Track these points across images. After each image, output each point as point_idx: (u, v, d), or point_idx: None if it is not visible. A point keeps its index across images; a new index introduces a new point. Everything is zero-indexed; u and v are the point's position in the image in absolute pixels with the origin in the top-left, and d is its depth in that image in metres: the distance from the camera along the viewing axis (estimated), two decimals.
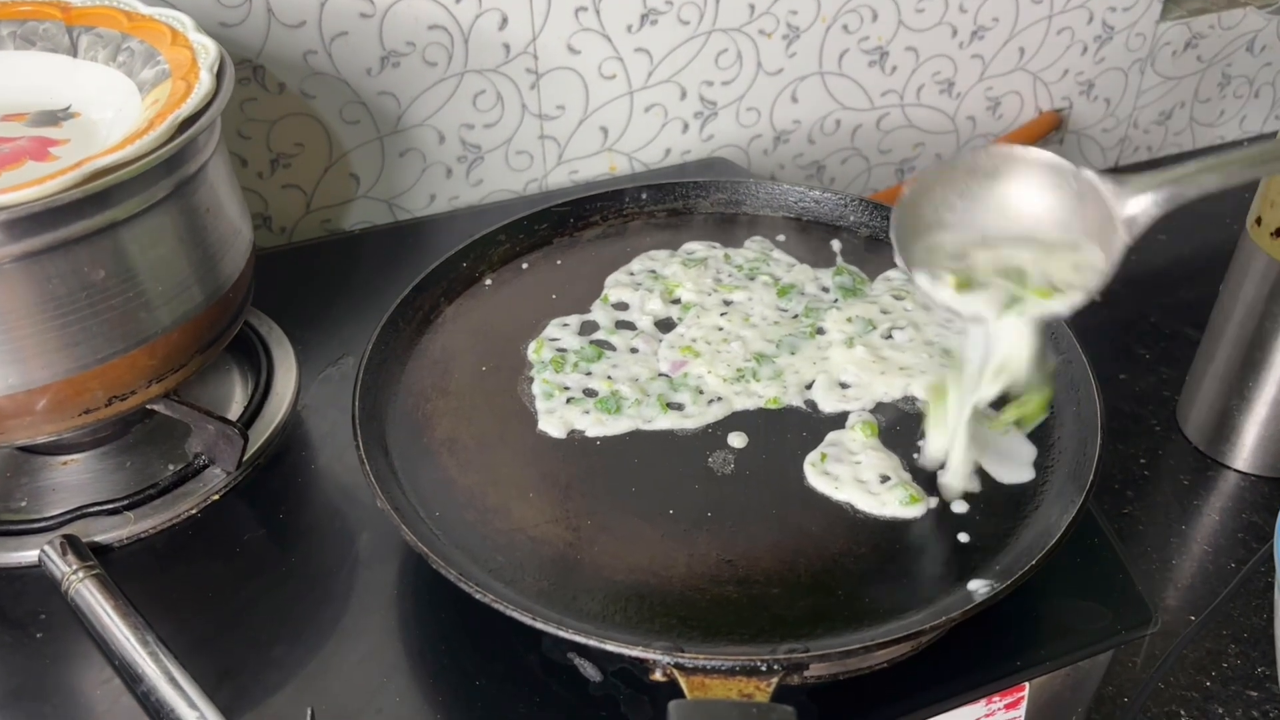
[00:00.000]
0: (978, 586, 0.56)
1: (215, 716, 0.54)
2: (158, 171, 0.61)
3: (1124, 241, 0.54)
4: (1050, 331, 0.70)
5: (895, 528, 0.60)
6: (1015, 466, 0.63)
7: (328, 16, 0.88)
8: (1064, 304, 0.55)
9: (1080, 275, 0.56)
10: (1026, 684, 0.60)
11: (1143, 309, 1.09)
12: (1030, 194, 0.57)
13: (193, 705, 0.55)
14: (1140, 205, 0.54)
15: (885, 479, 0.61)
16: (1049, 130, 1.20)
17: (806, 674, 0.56)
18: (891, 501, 0.60)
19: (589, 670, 0.58)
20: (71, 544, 0.63)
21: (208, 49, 0.68)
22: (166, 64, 0.68)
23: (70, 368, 0.62)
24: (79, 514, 0.66)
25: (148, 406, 0.68)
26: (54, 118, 0.69)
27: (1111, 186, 0.54)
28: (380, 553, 0.65)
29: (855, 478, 0.61)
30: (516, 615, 0.53)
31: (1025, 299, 0.55)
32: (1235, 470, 0.91)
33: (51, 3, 0.73)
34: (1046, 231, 0.57)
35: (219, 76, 0.66)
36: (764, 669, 0.50)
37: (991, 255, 0.57)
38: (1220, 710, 0.73)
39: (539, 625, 0.52)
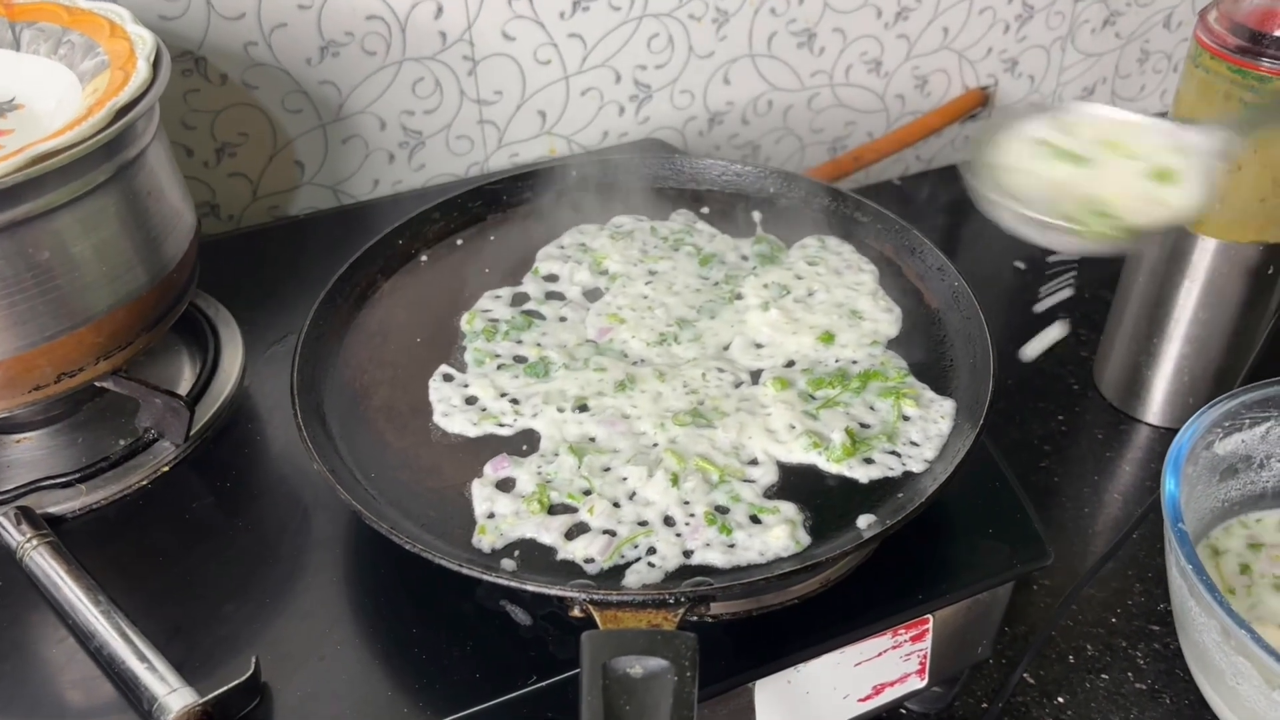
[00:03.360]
0: (866, 523, 0.60)
1: (164, 666, 0.58)
2: (97, 156, 0.64)
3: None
4: (954, 292, 0.74)
5: (800, 472, 0.64)
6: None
7: (266, 8, 0.91)
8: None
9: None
10: (930, 616, 0.64)
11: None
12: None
13: (143, 657, 0.58)
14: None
15: (792, 428, 0.65)
16: (975, 107, 1.25)
17: (720, 610, 0.60)
18: (797, 449, 0.64)
19: (519, 615, 0.62)
20: (25, 514, 0.66)
21: (145, 40, 0.71)
22: (106, 55, 0.71)
23: (19, 345, 0.65)
24: (32, 487, 0.69)
25: (96, 383, 0.71)
26: None
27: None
28: (323, 516, 0.68)
29: (765, 428, 0.65)
30: (445, 563, 0.56)
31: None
32: (1147, 424, 0.96)
33: None
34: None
35: (155, 66, 0.69)
36: (671, 601, 0.53)
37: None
38: (1124, 644, 0.78)
39: (465, 571, 0.56)
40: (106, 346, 0.69)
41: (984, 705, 0.74)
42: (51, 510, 0.68)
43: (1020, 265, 1.15)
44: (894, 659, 0.65)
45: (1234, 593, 0.76)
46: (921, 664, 0.66)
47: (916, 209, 1.27)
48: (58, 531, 0.66)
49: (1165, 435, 0.95)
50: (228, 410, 0.76)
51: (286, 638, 0.62)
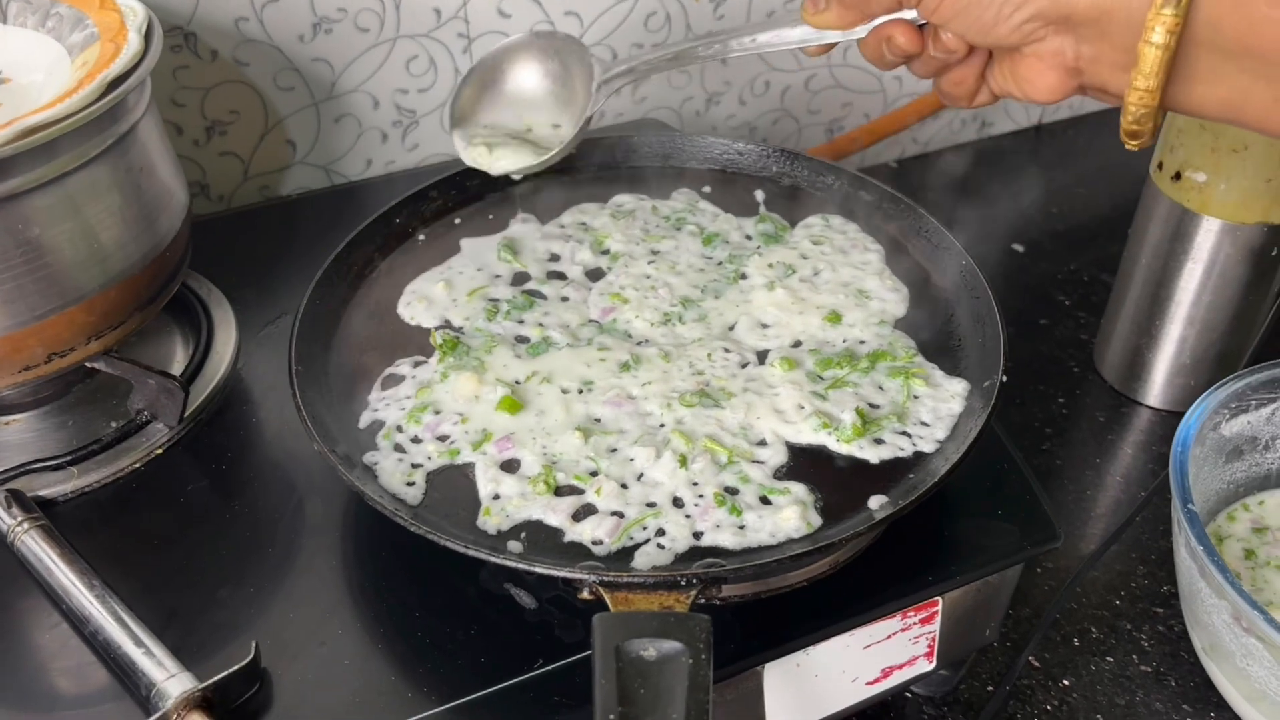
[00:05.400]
0: (878, 504, 0.59)
1: (161, 651, 0.56)
2: (89, 130, 0.63)
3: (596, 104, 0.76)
4: (961, 272, 0.74)
5: (810, 453, 0.63)
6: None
7: None
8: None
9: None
10: (939, 599, 0.64)
11: (1064, 259, 1.13)
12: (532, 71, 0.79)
13: (139, 643, 0.57)
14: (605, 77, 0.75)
15: (801, 408, 0.64)
16: None
17: (729, 593, 0.59)
18: (806, 429, 0.63)
19: (524, 598, 0.61)
20: (15, 497, 0.64)
21: (135, 11, 0.69)
22: (95, 27, 0.69)
23: (8, 325, 0.63)
24: (23, 470, 0.68)
25: (88, 364, 0.69)
26: None
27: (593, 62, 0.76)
28: (321, 498, 0.67)
29: (773, 408, 0.65)
30: (451, 545, 0.55)
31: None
32: (1147, 406, 0.95)
33: None
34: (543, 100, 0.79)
35: (147, 37, 0.68)
36: (682, 583, 0.52)
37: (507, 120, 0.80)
38: (1129, 626, 0.78)
39: (472, 552, 0.55)
40: (98, 326, 0.68)
41: (990, 688, 0.74)
42: (42, 493, 0.67)
43: (1018, 248, 1.15)
44: (903, 641, 0.64)
45: (1239, 577, 0.75)
46: (930, 647, 0.66)
47: (913, 192, 1.26)
48: (49, 515, 0.64)
49: (1166, 418, 0.94)
50: (221, 392, 0.75)
51: (285, 623, 0.60)
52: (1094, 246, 1.14)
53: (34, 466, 0.68)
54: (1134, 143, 0.53)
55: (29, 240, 0.62)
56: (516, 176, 0.82)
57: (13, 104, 0.68)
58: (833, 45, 0.63)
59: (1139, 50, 0.49)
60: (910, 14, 0.57)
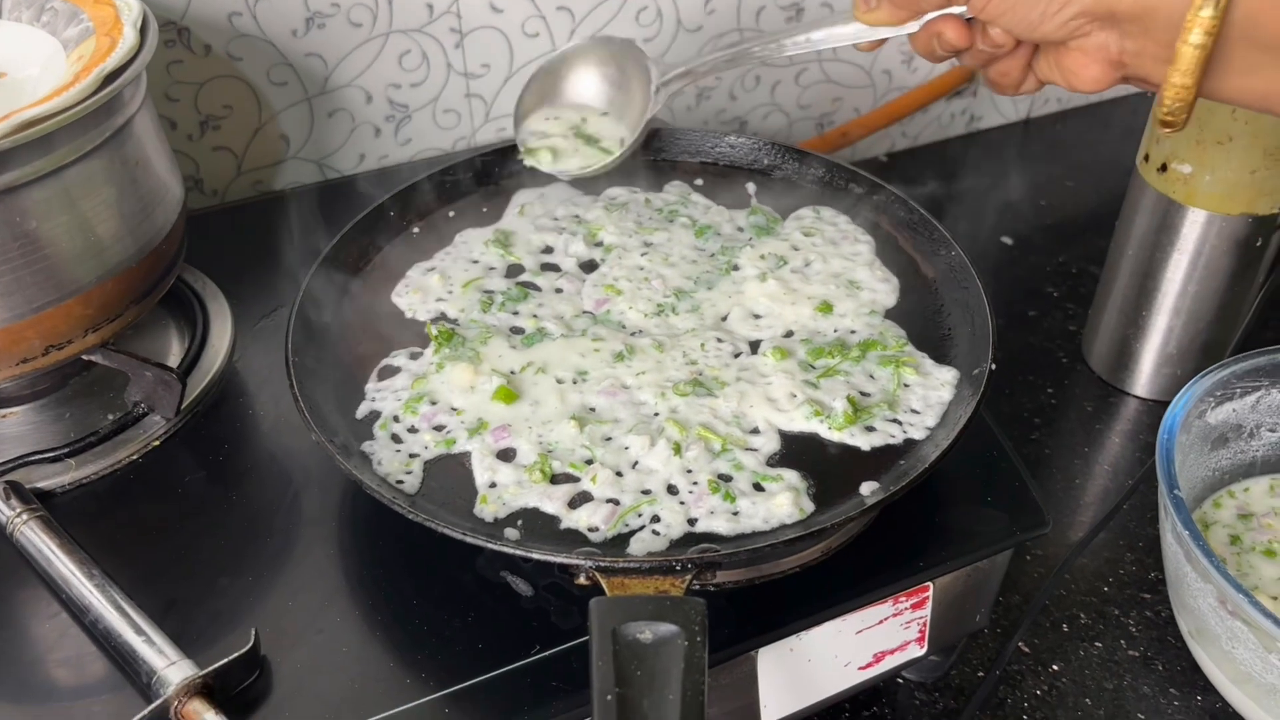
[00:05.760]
0: (869, 490, 0.60)
1: (162, 639, 0.57)
2: (85, 123, 0.63)
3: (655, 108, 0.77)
4: (951, 262, 0.75)
5: (802, 440, 0.64)
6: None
7: None
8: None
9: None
10: (930, 584, 0.65)
11: (1052, 251, 1.14)
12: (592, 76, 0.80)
13: (140, 631, 0.57)
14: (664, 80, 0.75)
15: (793, 397, 0.65)
16: (961, 83, 1.25)
17: (724, 579, 0.60)
18: (798, 417, 0.64)
19: (521, 586, 0.61)
20: (14, 489, 0.65)
21: (130, 5, 0.70)
22: (90, 21, 0.70)
23: (6, 317, 0.64)
24: (20, 462, 0.68)
25: (85, 357, 0.69)
26: None
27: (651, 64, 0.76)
28: (318, 488, 0.68)
29: (766, 397, 0.65)
30: (449, 532, 0.56)
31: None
32: (1134, 396, 0.97)
33: None
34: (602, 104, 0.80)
35: (142, 31, 0.68)
36: (678, 568, 0.53)
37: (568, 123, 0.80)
38: (1117, 611, 0.79)
39: (469, 539, 0.55)
40: (95, 319, 0.68)
41: (980, 674, 0.75)
42: (41, 485, 0.67)
43: (1007, 241, 1.16)
44: (894, 626, 0.65)
45: (1225, 563, 0.76)
46: (921, 632, 0.66)
47: (902, 185, 1.27)
48: (47, 507, 0.65)
49: (1153, 407, 0.95)
50: (218, 384, 0.75)
51: (284, 611, 0.61)
52: (1082, 239, 1.15)
53: (32, 458, 0.68)
54: (1168, 130, 0.55)
55: (26, 233, 0.62)
56: (565, 177, 0.81)
57: (8, 99, 0.68)
58: (883, 41, 0.64)
59: (1177, 49, 0.50)
60: (959, 10, 0.58)
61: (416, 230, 0.80)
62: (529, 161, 0.80)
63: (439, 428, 0.64)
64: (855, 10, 0.63)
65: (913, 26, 0.61)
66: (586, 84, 0.80)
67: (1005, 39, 0.58)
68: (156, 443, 0.71)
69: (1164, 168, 0.84)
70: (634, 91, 0.77)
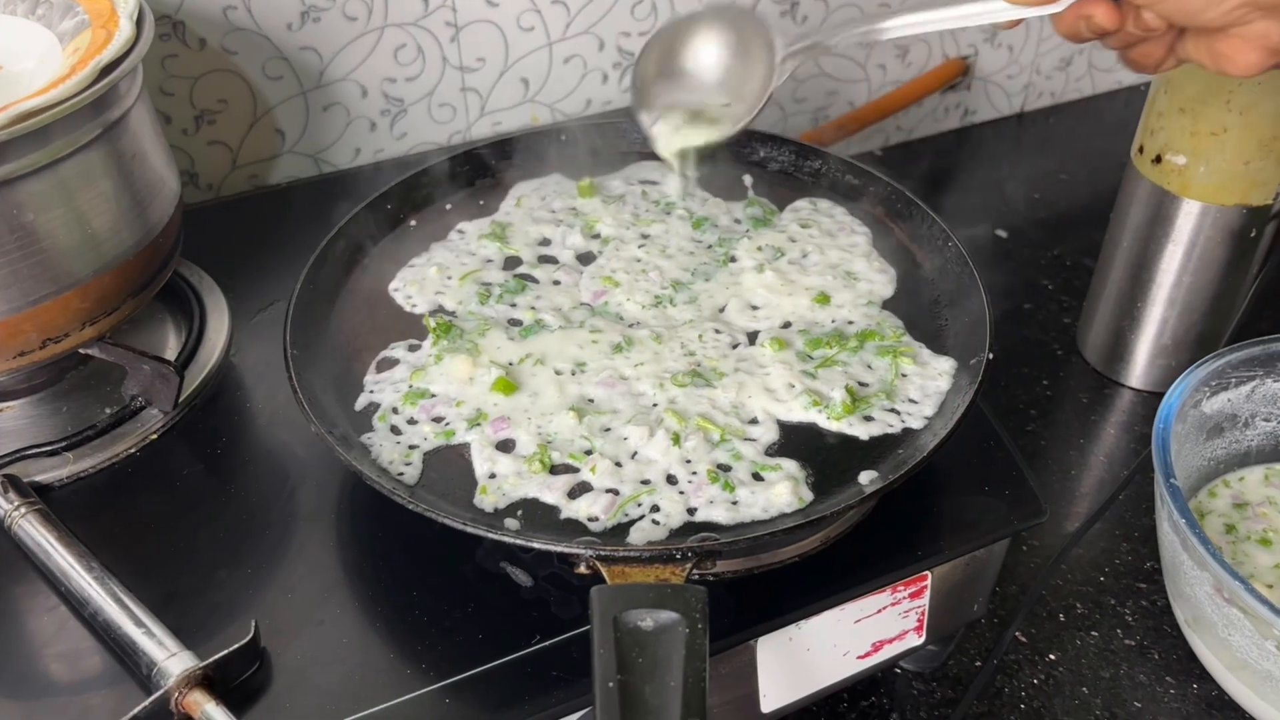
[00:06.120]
0: (868, 479, 0.60)
1: (162, 631, 0.57)
2: (82, 115, 0.63)
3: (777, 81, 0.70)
4: (947, 252, 0.75)
5: (801, 430, 0.64)
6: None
7: None
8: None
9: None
10: (929, 573, 0.65)
11: (1047, 244, 1.15)
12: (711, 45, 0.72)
13: (139, 623, 0.57)
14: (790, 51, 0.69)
15: (791, 387, 0.65)
16: (956, 76, 1.25)
17: (723, 568, 0.60)
18: (797, 407, 0.64)
19: (520, 576, 0.61)
20: (12, 482, 0.65)
21: None
22: (85, 14, 0.69)
23: (3, 310, 0.63)
24: (18, 456, 0.68)
25: (82, 350, 0.69)
26: None
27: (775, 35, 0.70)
28: (317, 480, 0.68)
29: (764, 387, 0.65)
30: (450, 522, 0.56)
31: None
32: (1129, 387, 0.97)
33: None
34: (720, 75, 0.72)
35: (138, 24, 0.68)
36: (678, 556, 0.53)
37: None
38: (1113, 601, 0.79)
39: (470, 529, 0.55)
40: (92, 312, 0.68)
41: (978, 663, 0.75)
42: (38, 479, 0.67)
43: (1002, 234, 1.16)
44: (893, 616, 0.65)
45: (1221, 551, 0.77)
46: (920, 621, 0.67)
47: (897, 178, 1.27)
48: (45, 500, 0.65)
49: (1147, 398, 0.96)
50: (215, 378, 0.75)
51: (283, 603, 0.61)
52: (1076, 231, 1.16)
53: (29, 452, 0.68)
54: None
55: (23, 225, 0.62)
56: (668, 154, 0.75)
57: (4, 91, 0.68)
58: (1020, 21, 0.62)
59: None
60: None
61: (413, 223, 0.80)
62: (652, 136, 0.74)
63: (438, 419, 0.64)
64: None
65: (1057, 7, 0.59)
66: (706, 55, 0.72)
67: (1158, 23, 0.56)
68: (154, 436, 0.71)
69: (1158, 159, 0.85)
70: (754, 62, 0.71)
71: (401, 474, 0.61)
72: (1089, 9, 0.57)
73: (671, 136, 0.73)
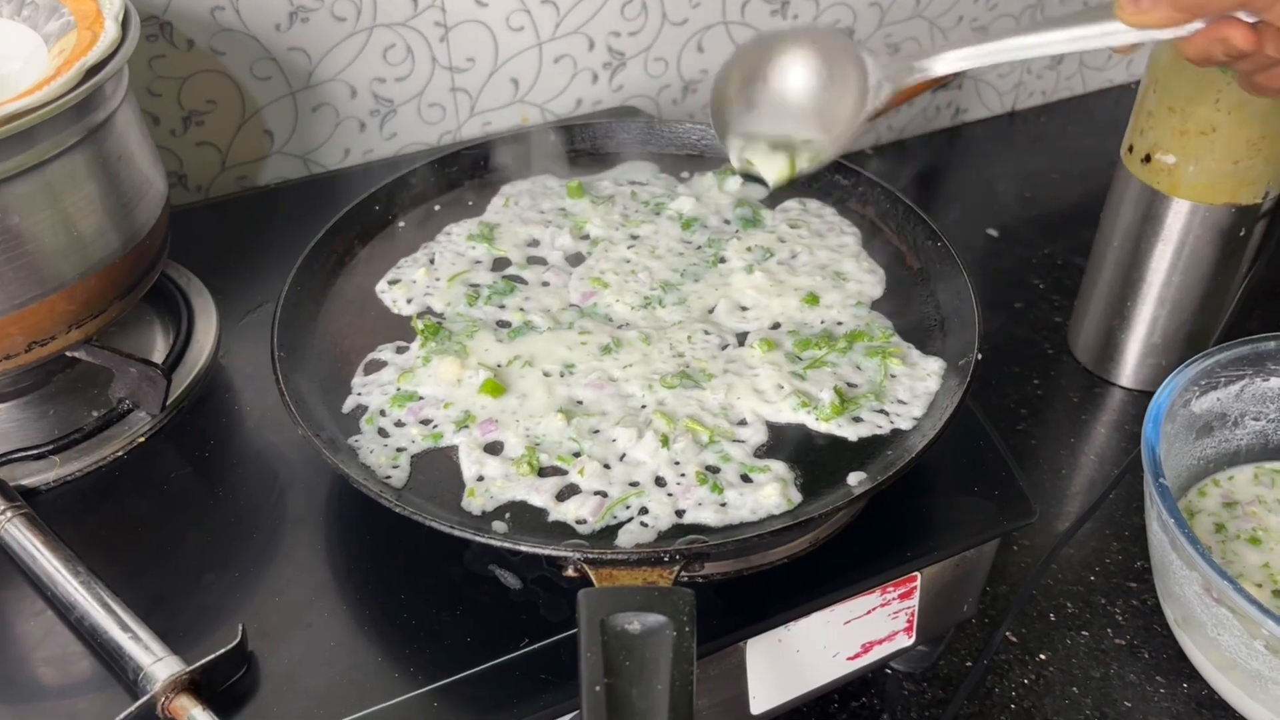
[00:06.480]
0: (857, 480, 0.60)
1: (148, 635, 0.57)
2: (67, 118, 0.63)
3: (870, 108, 0.65)
4: (937, 252, 0.75)
5: (790, 431, 0.64)
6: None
7: None
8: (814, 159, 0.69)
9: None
10: (918, 574, 0.65)
11: (1038, 243, 1.15)
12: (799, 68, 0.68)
13: (126, 627, 0.57)
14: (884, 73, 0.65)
15: (780, 388, 0.65)
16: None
17: (712, 570, 0.60)
18: (785, 409, 0.64)
19: (509, 579, 0.61)
20: None
21: (112, 0, 0.69)
22: (71, 16, 0.69)
23: None
24: (4, 459, 0.68)
25: (69, 353, 0.69)
26: None
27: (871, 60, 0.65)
28: (304, 483, 0.67)
29: (753, 388, 0.65)
30: (437, 525, 0.56)
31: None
32: (1120, 387, 0.97)
33: None
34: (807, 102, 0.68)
35: (124, 25, 0.68)
36: (666, 559, 0.53)
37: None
38: (1103, 600, 0.79)
39: (457, 532, 0.55)
40: (79, 314, 0.68)
41: (968, 664, 0.75)
42: (25, 483, 0.67)
43: (993, 233, 1.16)
44: (883, 617, 0.65)
45: (1210, 551, 0.77)
46: (909, 622, 0.67)
47: (888, 178, 1.27)
48: (32, 504, 0.64)
49: (1138, 398, 0.96)
50: (203, 380, 0.75)
51: (271, 607, 0.61)
52: (1067, 231, 1.16)
53: (15, 456, 0.68)
54: None
55: (8, 228, 0.62)
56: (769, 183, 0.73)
57: None
58: (1138, 46, 0.59)
59: None
60: (1244, 13, 0.55)
61: (402, 224, 0.80)
62: (740, 166, 0.72)
63: (426, 421, 0.64)
64: (1120, 11, 0.56)
65: (1183, 30, 0.56)
66: (792, 79, 0.68)
67: None
68: (141, 439, 0.71)
69: (1148, 159, 0.85)
70: (845, 87, 0.66)
71: (389, 477, 0.61)
72: (1225, 31, 0.55)
73: (764, 166, 0.71)
